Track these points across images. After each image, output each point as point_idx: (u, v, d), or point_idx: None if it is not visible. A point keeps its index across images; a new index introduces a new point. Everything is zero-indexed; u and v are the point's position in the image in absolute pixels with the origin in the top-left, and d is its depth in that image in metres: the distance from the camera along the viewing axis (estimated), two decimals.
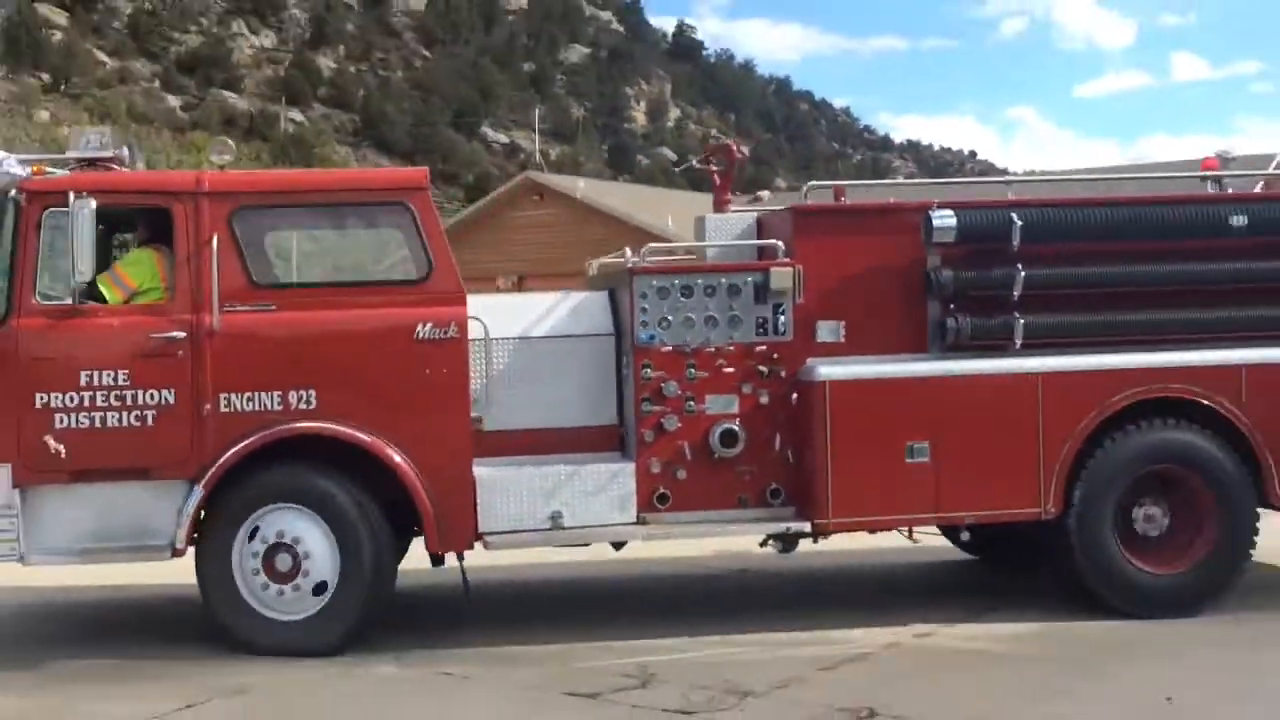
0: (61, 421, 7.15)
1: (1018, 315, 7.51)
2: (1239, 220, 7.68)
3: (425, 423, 7.35)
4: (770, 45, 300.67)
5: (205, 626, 7.47)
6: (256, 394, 7.27)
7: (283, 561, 7.24)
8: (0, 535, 7.07)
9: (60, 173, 7.61)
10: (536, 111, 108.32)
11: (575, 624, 7.87)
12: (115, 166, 7.75)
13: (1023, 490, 7.48)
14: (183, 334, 7.24)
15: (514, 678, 6.69)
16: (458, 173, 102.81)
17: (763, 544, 7.90)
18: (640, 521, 7.48)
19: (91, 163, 7.70)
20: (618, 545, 7.95)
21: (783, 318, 7.54)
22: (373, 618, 7.45)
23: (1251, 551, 7.73)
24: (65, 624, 8.35)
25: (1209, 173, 8.56)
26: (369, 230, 8.46)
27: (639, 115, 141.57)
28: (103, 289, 7.46)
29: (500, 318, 7.68)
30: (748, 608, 8.48)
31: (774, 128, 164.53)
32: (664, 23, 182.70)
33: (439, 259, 7.54)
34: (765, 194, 9.25)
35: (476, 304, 7.69)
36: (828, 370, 7.40)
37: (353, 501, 7.25)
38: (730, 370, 7.51)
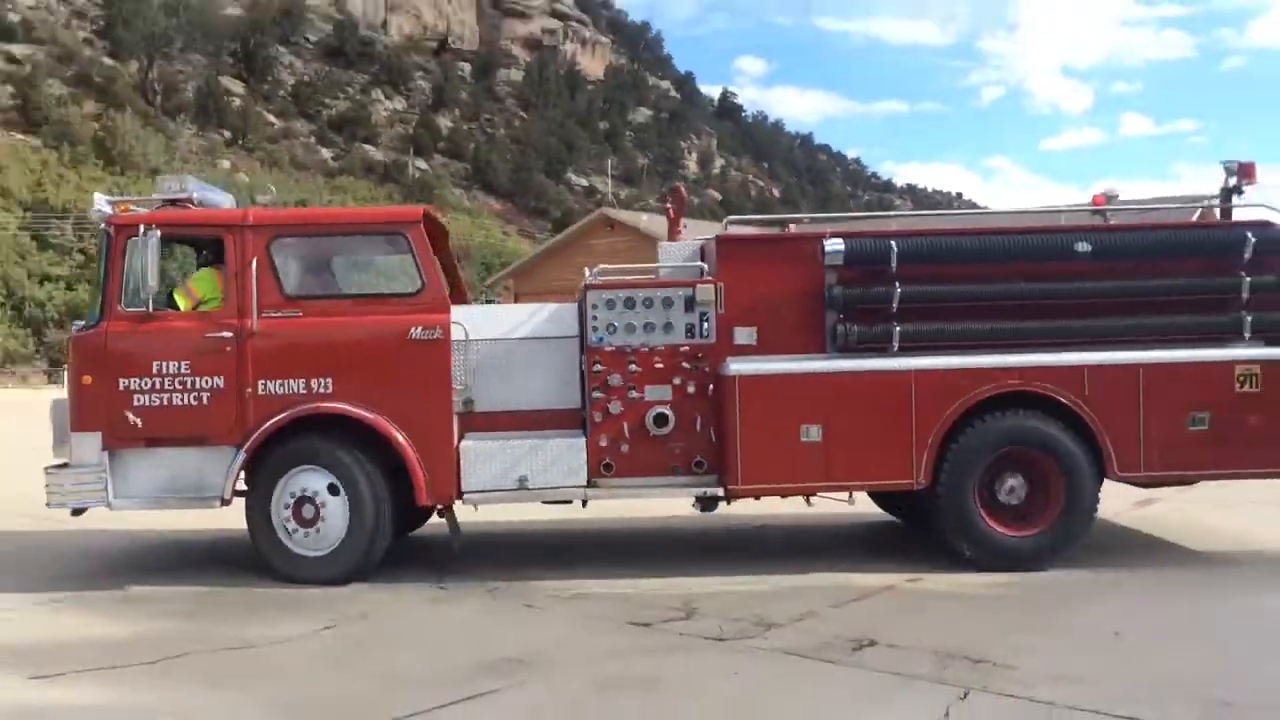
0: (138, 400, 7.50)
1: (895, 324, 7.51)
2: (1083, 246, 7.60)
3: (416, 404, 7.56)
4: (797, 108, 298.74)
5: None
6: (286, 381, 7.57)
7: (307, 510, 7.50)
8: (92, 486, 7.49)
9: (142, 210, 7.82)
10: (609, 160, 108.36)
11: (632, 568, 7.74)
12: (189, 205, 7.95)
13: (898, 465, 7.50)
14: (230, 334, 7.55)
15: (585, 610, 6.54)
16: (547, 209, 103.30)
17: (693, 504, 7.98)
18: (590, 485, 7.61)
19: (172, 202, 7.92)
20: (583, 502, 8.02)
21: (707, 324, 7.67)
22: (374, 558, 7.53)
23: (1093, 518, 7.62)
24: (174, 561, 8.28)
25: (1096, 208, 8.37)
26: (377, 254, 8.64)
27: (691, 164, 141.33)
28: (177, 298, 7.76)
29: (484, 323, 7.85)
30: (769, 556, 8.28)
31: (799, 174, 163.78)
32: (711, 90, 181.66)
33: (429, 278, 7.72)
34: (793, 227, 9.03)
35: (469, 312, 7.97)
36: (737, 367, 7.53)
37: (359, 465, 7.52)
38: (664, 366, 7.66)
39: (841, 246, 7.54)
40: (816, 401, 7.49)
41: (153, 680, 5.25)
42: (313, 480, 7.53)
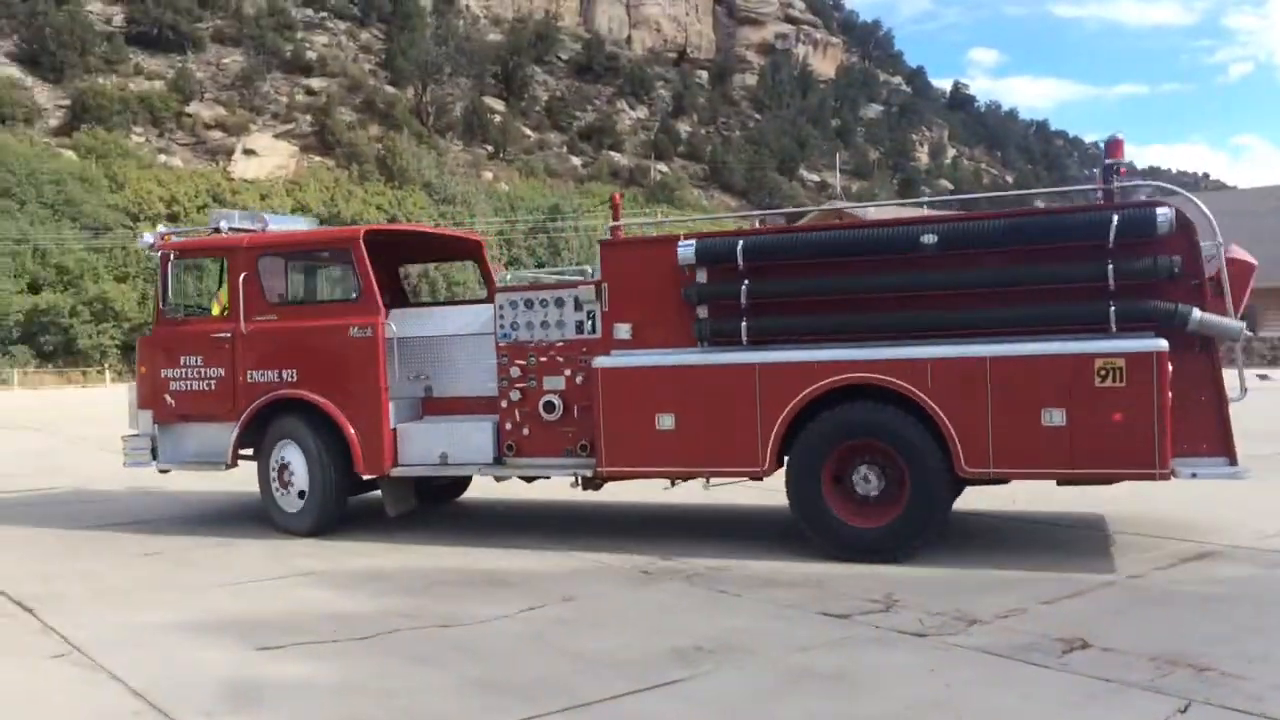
0: (173, 386, 9.02)
1: (743, 319, 7.35)
2: (929, 239, 6.96)
3: (355, 390, 8.40)
4: (1030, 96, 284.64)
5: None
6: (265, 371, 8.73)
7: (285, 475, 8.62)
8: (145, 451, 9.12)
9: (175, 239, 9.35)
10: (838, 155, 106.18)
11: (820, 552, 7.28)
12: (224, 232, 9.31)
13: (745, 453, 7.30)
14: (228, 334, 8.82)
15: (777, 597, 6.16)
16: (780, 204, 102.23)
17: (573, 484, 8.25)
18: (497, 462, 8.13)
19: (216, 230, 9.39)
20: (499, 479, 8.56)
21: (592, 322, 7.91)
22: (328, 515, 8.50)
23: (941, 512, 6.98)
24: (417, 538, 8.36)
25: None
26: (335, 267, 9.39)
27: (922, 156, 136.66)
28: (213, 306, 9.07)
29: (415, 323, 8.59)
30: (976, 545, 7.61)
31: (1033, 160, 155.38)
32: (943, 83, 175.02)
33: (365, 286, 8.49)
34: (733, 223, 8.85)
35: (406, 314, 8.73)
36: (599, 361, 7.69)
37: (314, 440, 8.50)
38: (558, 359, 8.00)
39: (692, 247, 7.50)
40: (668, 392, 7.51)
41: (364, 656, 5.24)
42: (289, 452, 8.64)
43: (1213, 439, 6.57)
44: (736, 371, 7.34)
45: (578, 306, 7.98)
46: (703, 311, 7.54)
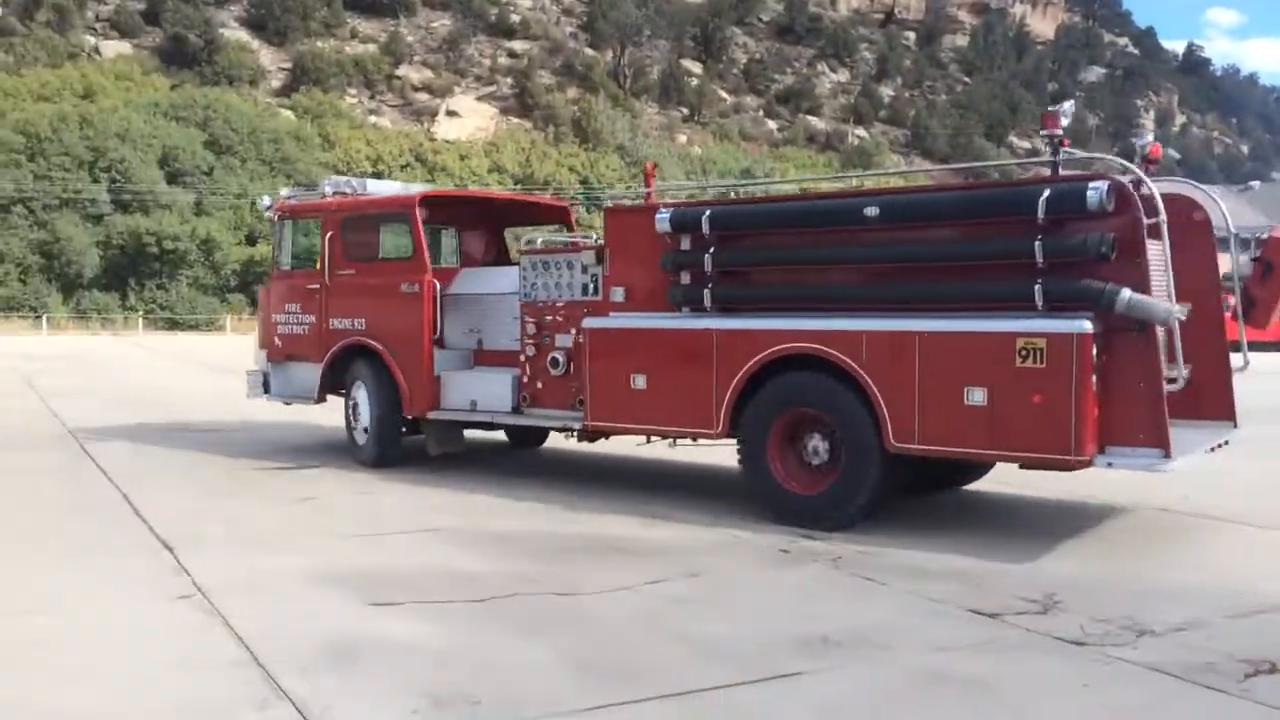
0: (280, 330, 10.45)
1: (707, 286, 7.61)
2: (872, 211, 6.96)
3: (405, 340, 9.31)
4: (1274, 60, 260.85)
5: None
6: (342, 319, 9.86)
7: (356, 412, 9.72)
8: (260, 386, 10.72)
9: (290, 202, 10.67)
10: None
11: (979, 543, 6.69)
12: (328, 196, 10.36)
13: (702, 416, 7.57)
14: (318, 286, 10.01)
15: (924, 589, 5.66)
16: (987, 173, 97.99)
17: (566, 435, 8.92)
18: (515, 411, 8.76)
19: (323, 195, 10.46)
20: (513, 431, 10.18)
21: (595, 284, 8.32)
22: (386, 450, 9.50)
23: (873, 484, 6.93)
24: (552, 501, 8.20)
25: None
26: (400, 229, 9.87)
27: (1147, 122, 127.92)
28: (316, 262, 10.14)
29: (471, 282, 9.46)
30: (1156, 545, 6.84)
31: (1273, 130, 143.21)
32: (1174, 45, 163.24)
33: (417, 247, 9.37)
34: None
35: (467, 273, 9.73)
36: (588, 321, 8.13)
37: (375, 382, 9.48)
38: (566, 319, 8.47)
39: (667, 216, 7.73)
40: (642, 354, 7.89)
41: (473, 619, 5.09)
42: (359, 392, 9.70)
43: (1148, 429, 6.17)
44: (697, 336, 7.64)
45: (584, 270, 8.45)
46: (677, 278, 7.84)
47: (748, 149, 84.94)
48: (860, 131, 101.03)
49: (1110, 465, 6.28)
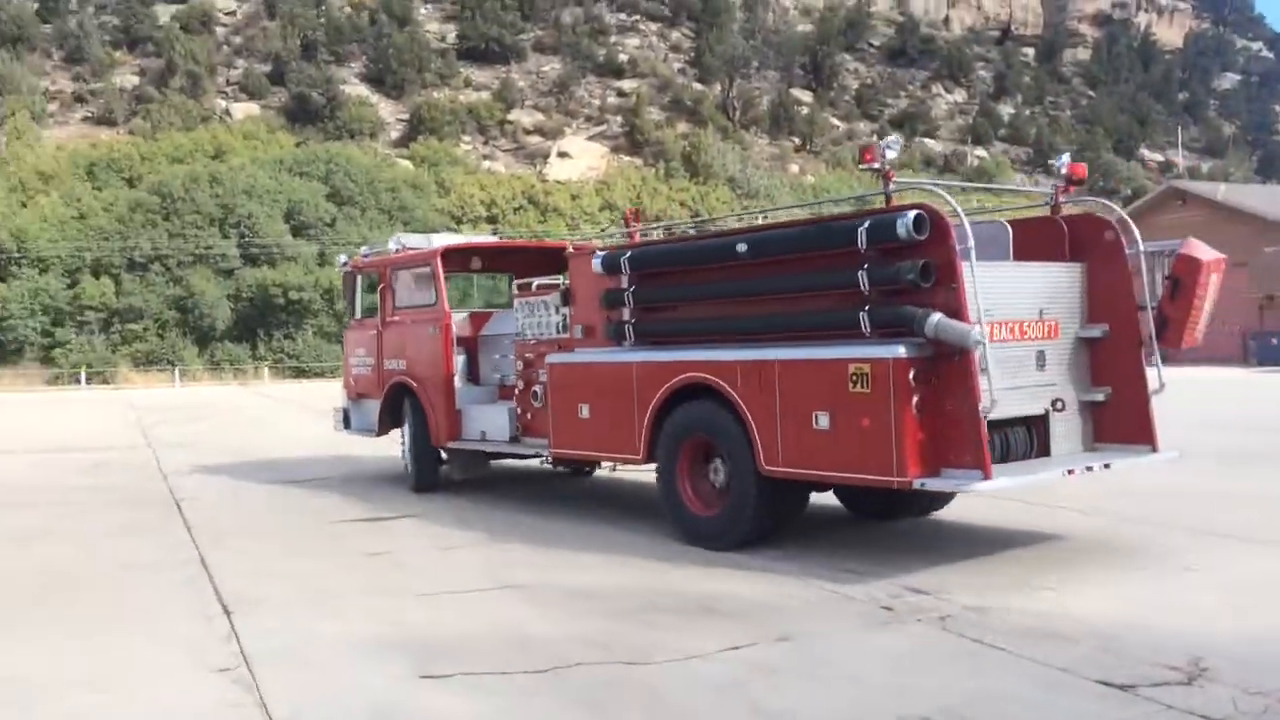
0: (353, 372, 12.03)
1: (630, 322, 8.21)
2: (742, 247, 7.38)
3: (432, 378, 10.44)
4: None
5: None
6: (392, 360, 11.17)
7: (404, 444, 11.03)
8: (341, 421, 12.21)
9: (359, 259, 12.09)
10: (1179, 129, 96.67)
11: (1104, 593, 5.92)
12: (396, 251, 11.48)
13: (629, 443, 8.04)
14: (375, 332, 11.46)
15: (1047, 655, 4.94)
16: (1116, 188, 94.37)
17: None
18: (513, 440, 9.57)
19: (395, 250, 11.56)
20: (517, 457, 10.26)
21: (564, 323, 8.98)
22: (425, 479, 10.71)
23: (753, 508, 7.21)
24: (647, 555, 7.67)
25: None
26: (427, 278, 10.81)
27: None
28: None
29: (496, 324, 10.49)
30: None
31: None
32: None
33: (438, 294, 10.47)
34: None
35: (496, 315, 10.72)
36: (550, 357, 8.86)
37: (413, 416, 10.70)
38: (542, 355, 9.09)
39: (600, 258, 8.37)
40: (585, 386, 8.48)
41: (531, 694, 4.61)
42: (405, 425, 10.91)
43: (971, 450, 6.25)
44: (620, 370, 8.17)
45: (557, 310, 9.12)
46: (611, 315, 8.41)
47: (862, 176, 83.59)
48: (980, 152, 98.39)
49: (923, 485, 6.40)
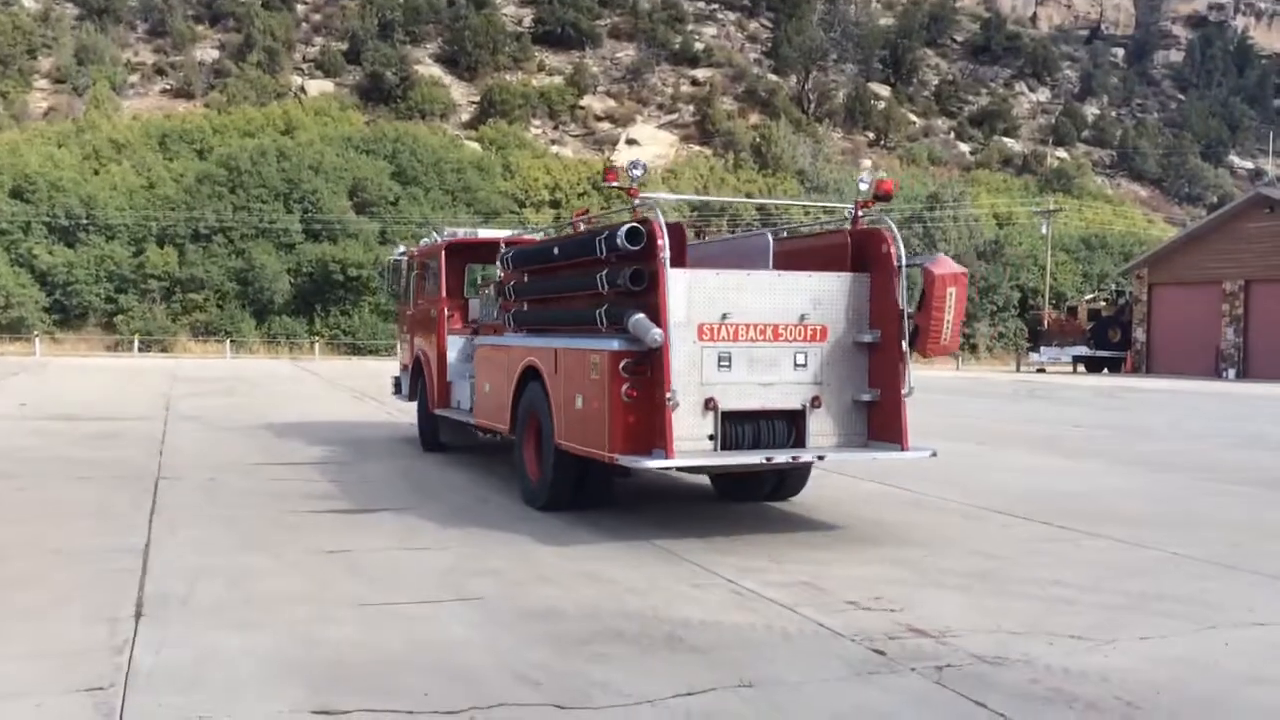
0: (402, 344, 14.05)
1: (509, 311, 9.52)
2: (555, 250, 8.68)
3: (431, 352, 12.18)
4: None
5: None
6: (417, 338, 12.99)
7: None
8: (394, 389, 14.38)
9: (412, 249, 13.96)
10: (1271, 136, 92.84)
11: (1149, 661, 5.09)
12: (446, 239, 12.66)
13: (503, 416, 9.23)
14: (410, 314, 13.45)
15: None
16: (1202, 194, 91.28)
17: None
18: (470, 411, 10.78)
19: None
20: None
21: (498, 310, 10.04)
22: (428, 441, 12.65)
23: (561, 480, 8.25)
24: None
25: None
26: (435, 267, 12.52)
27: None
28: None
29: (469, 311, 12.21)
30: None
31: None
32: None
33: (438, 282, 12.27)
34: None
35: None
36: (476, 340, 10.66)
37: (423, 385, 12.50)
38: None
39: (500, 254, 9.88)
40: (487, 366, 9.93)
41: None
42: (420, 394, 12.71)
43: (660, 433, 7.12)
44: (501, 353, 9.51)
45: (495, 299, 10.19)
46: (503, 305, 9.75)
47: (936, 173, 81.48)
48: (1061, 153, 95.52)
49: (617, 461, 7.24)
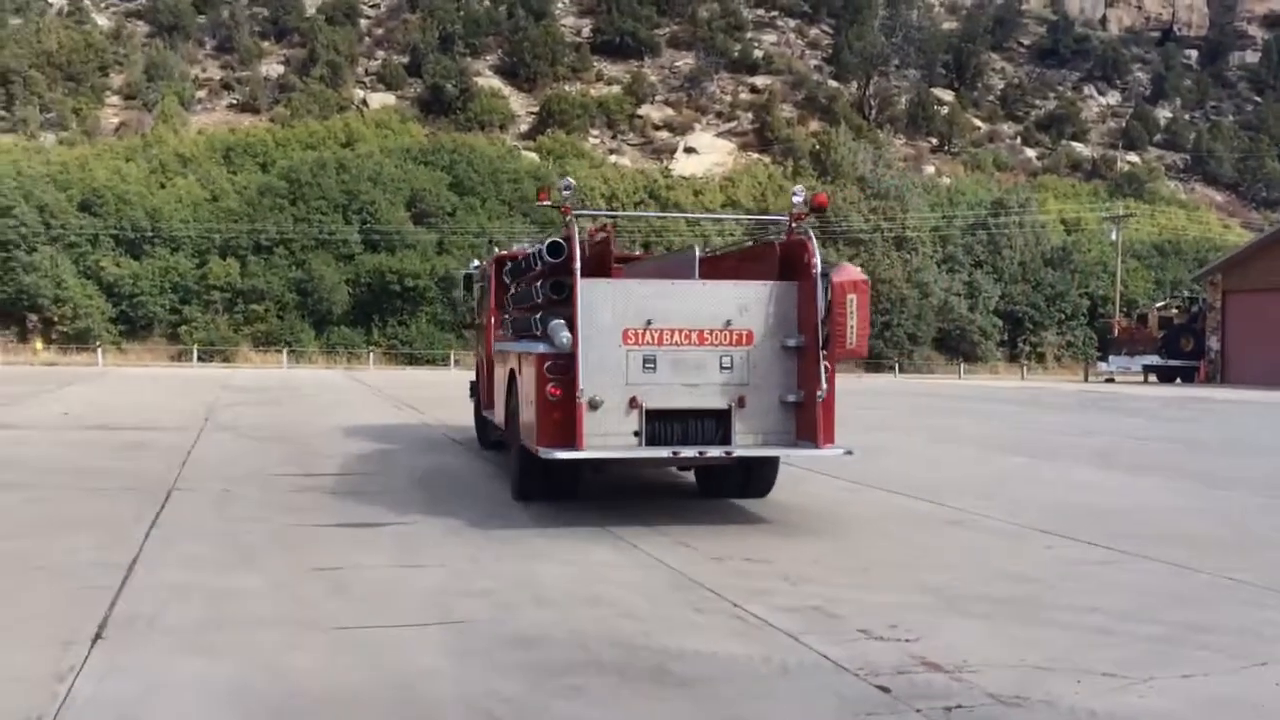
0: (479, 352, 14.10)
1: (506, 317, 10.66)
2: (523, 264, 9.55)
3: (483, 355, 13.34)
4: None
5: None
6: (479, 346, 13.91)
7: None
8: (470, 392, 14.66)
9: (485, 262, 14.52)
10: None
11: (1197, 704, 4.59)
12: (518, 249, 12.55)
13: (501, 415, 10.31)
14: (482, 322, 13.52)
15: None
16: (1278, 200, 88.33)
17: None
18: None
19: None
20: None
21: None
22: (482, 440, 13.81)
23: (523, 471, 9.16)
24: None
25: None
26: (488, 282, 13.20)
27: None
28: None
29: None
30: None
31: None
32: None
33: (489, 295, 12.80)
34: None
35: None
36: (494, 345, 11.62)
37: (478, 389, 14.10)
38: None
39: (508, 266, 10.82)
40: (494, 371, 11.38)
41: None
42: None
43: (574, 428, 7.78)
44: (497, 358, 10.74)
45: None
46: (507, 312, 10.67)
47: (1002, 178, 79.96)
48: (1132, 157, 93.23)
49: (540, 454, 7.95)
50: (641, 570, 6.93)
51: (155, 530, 7.93)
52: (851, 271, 8.16)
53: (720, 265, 9.60)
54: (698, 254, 9.37)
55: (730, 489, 9.60)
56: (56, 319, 53.27)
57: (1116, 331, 51.74)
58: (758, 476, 9.40)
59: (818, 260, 8.08)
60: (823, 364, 7.96)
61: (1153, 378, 46.64)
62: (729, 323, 8.12)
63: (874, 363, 60.04)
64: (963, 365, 59.37)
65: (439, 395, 26.23)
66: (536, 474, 8.81)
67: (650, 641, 5.31)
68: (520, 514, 8.90)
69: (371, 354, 52.93)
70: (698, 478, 10.18)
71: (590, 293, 7.86)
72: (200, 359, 50.79)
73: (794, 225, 8.51)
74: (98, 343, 50.75)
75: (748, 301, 8.19)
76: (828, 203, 8.71)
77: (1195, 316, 46.62)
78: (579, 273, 7.76)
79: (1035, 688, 4.66)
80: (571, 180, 8.58)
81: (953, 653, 5.13)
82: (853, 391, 34.90)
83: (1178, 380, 45.06)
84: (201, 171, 62.50)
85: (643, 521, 8.55)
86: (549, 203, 8.19)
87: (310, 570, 6.74)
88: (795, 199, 8.48)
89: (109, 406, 20.99)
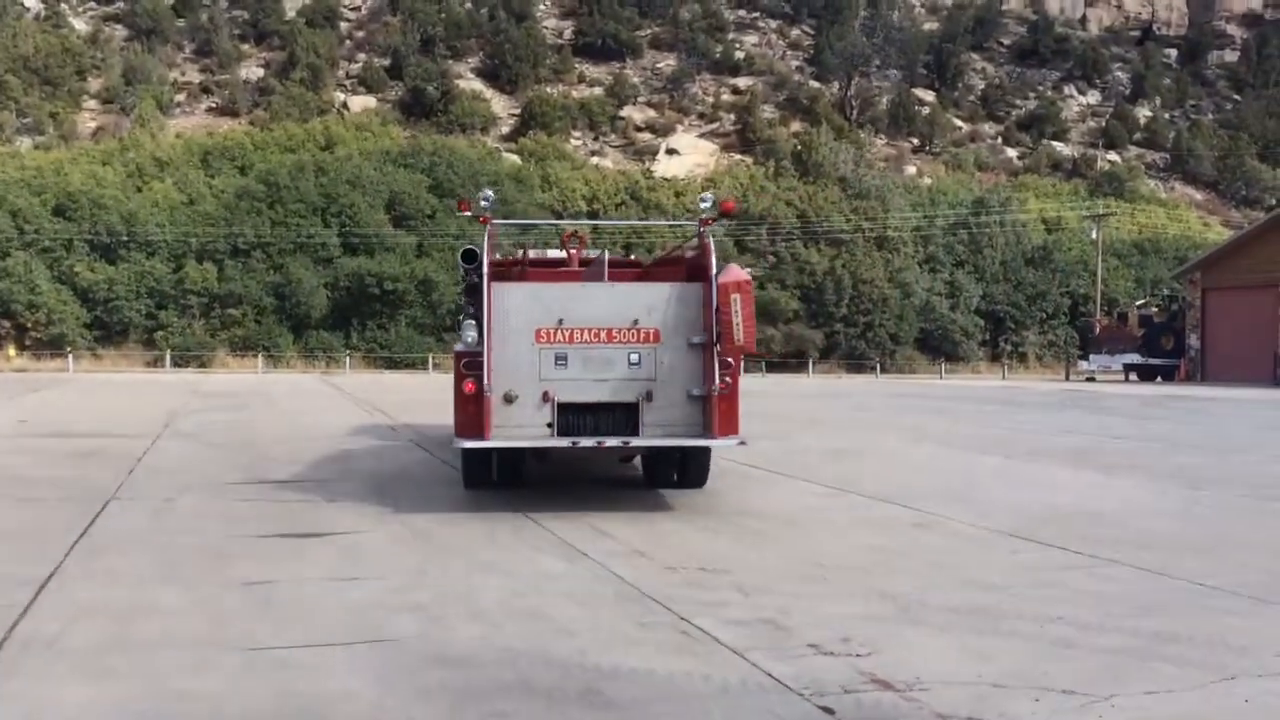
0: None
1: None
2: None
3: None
4: None
5: None
6: None
7: None
8: None
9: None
10: None
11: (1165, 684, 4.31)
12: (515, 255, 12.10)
13: None
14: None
15: None
16: (1260, 197, 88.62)
17: None
18: None
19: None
20: None
21: None
22: None
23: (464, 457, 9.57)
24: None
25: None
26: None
27: None
28: None
29: None
30: None
31: None
32: None
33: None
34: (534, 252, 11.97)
35: None
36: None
37: None
38: None
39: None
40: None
41: None
42: None
43: (485, 421, 8.43)
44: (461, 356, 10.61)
45: None
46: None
47: (983, 178, 79.91)
48: (1112, 156, 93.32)
49: (455, 443, 8.78)
50: (590, 581, 6.61)
51: (82, 542, 7.56)
52: (736, 273, 8.62)
53: (649, 269, 10.43)
54: (606, 258, 9.95)
55: (666, 480, 10.14)
56: (30, 325, 52.59)
57: (1097, 330, 51.66)
58: (693, 468, 9.87)
59: (714, 262, 8.69)
60: (716, 360, 8.51)
61: (1133, 376, 46.56)
62: (636, 322, 8.68)
63: (856, 363, 59.89)
64: (944, 365, 59.20)
65: (411, 399, 25.85)
66: (476, 464, 9.42)
67: (585, 660, 4.98)
68: (474, 522, 8.56)
69: (349, 358, 52.41)
70: (644, 471, 10.64)
71: (501, 295, 8.53)
72: (175, 364, 50.20)
73: (701, 230, 9.05)
74: (69, 349, 50.10)
75: (654, 302, 8.74)
76: (734, 209, 9.41)
77: (1175, 315, 46.56)
78: (488, 277, 8.44)
79: (990, 708, 4.36)
80: (490, 192, 9.08)
81: (905, 668, 4.82)
82: (828, 394, 34.62)
83: (1158, 378, 44.98)
84: (179, 175, 61.85)
85: (600, 529, 8.23)
86: (469, 214, 8.76)
87: (238, 585, 6.39)
88: (703, 204, 9.03)
89: (70, 413, 20.55)
